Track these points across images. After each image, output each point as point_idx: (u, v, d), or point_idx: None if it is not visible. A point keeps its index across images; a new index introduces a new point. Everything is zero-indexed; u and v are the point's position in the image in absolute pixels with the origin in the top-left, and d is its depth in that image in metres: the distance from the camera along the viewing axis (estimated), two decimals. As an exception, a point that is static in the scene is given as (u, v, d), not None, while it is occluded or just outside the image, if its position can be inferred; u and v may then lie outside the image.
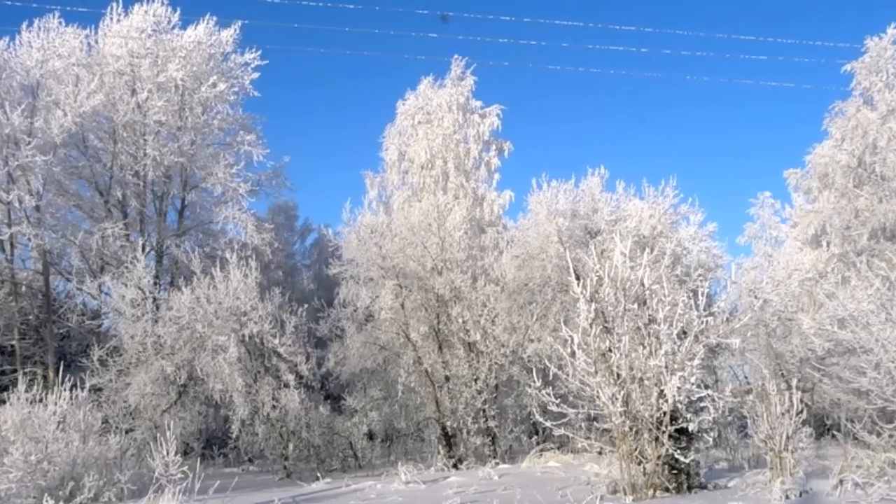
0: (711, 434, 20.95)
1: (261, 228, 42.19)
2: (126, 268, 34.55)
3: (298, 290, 46.75)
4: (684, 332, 20.10)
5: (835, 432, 31.31)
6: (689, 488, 20.29)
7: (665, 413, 19.49)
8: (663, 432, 19.48)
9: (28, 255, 39.27)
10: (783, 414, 20.06)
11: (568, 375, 20.32)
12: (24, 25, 38.68)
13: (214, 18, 42.81)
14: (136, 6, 42.08)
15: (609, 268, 20.62)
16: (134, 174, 40.10)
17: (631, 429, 19.69)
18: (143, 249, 35.61)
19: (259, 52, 43.59)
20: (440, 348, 33.41)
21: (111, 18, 41.99)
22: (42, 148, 35.18)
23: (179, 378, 32.58)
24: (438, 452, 32.50)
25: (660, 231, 32.08)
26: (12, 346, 38.35)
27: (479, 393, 32.19)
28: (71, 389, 24.60)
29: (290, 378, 32.08)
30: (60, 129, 36.01)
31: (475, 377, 32.31)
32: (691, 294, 21.24)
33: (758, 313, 30.00)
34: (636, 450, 19.72)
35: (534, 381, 20.82)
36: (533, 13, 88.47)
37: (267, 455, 34.58)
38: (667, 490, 19.81)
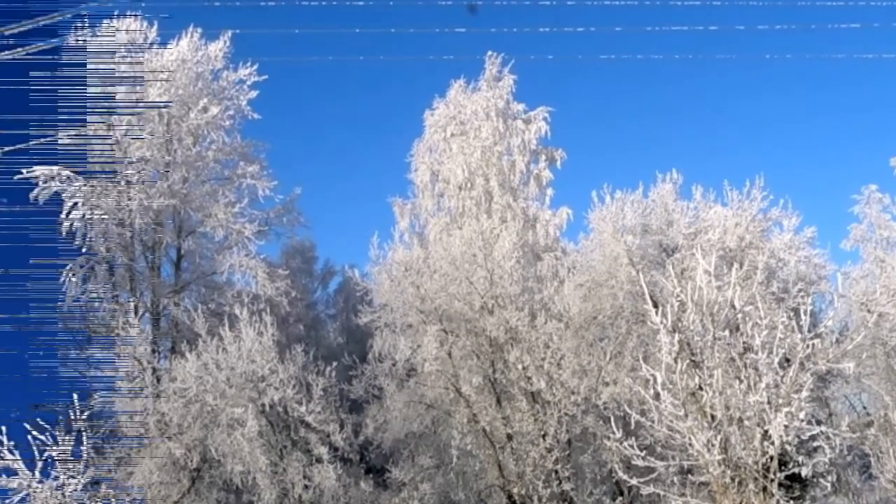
0: (829, 478, 21.10)
1: (274, 276, 41.88)
2: (117, 335, 34.75)
3: (324, 346, 47.01)
4: (787, 360, 20.31)
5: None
6: (808, 545, 20.49)
7: (772, 458, 19.71)
8: (772, 481, 19.71)
9: (-1, 328, 39.36)
10: (913, 448, 20.25)
11: (653, 422, 20.59)
12: (-31, 55, 38.85)
13: (199, 31, 43.29)
14: (105, 23, 41.44)
15: (692, 290, 20.87)
16: (118, 223, 40.06)
17: (733, 479, 19.92)
18: (136, 312, 36.02)
19: (256, 66, 43.79)
20: (498, 402, 33.69)
21: (75, 40, 41.63)
22: (4, 202, 35.38)
23: (191, 461, 32.75)
24: (506, 526, 32.74)
25: (749, 242, 32.29)
26: (-12, 440, 38.17)
27: (549, 451, 32.41)
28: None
29: (323, 451, 32.31)
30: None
31: (543, 433, 32.53)
32: (792, 314, 21.49)
33: (873, 330, 30.01)
34: (741, 504, 19.92)
35: (613, 432, 21.14)
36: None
37: (302, 545, 34.75)
38: (781, 549, 20.00)
